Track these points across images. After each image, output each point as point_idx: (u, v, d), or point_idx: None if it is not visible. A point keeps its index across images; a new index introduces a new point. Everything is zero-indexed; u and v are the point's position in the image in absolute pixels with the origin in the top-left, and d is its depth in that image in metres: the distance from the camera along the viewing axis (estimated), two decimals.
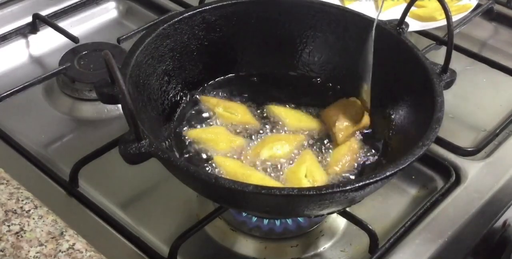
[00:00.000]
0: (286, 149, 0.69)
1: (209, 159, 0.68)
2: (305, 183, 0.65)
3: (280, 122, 0.73)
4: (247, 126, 0.73)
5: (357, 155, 0.69)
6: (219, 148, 0.69)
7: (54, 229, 0.62)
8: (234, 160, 0.68)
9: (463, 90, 0.90)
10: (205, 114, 0.74)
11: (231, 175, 0.64)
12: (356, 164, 0.69)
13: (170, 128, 0.71)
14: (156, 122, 0.69)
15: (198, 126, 0.72)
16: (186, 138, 0.70)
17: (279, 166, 0.68)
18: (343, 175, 0.68)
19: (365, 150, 0.70)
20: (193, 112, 0.74)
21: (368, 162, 0.69)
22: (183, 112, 0.74)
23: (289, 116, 0.74)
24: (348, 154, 0.69)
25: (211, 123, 0.73)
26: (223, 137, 0.70)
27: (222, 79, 0.78)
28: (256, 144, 0.70)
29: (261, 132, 0.72)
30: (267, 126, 0.73)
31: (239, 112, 0.73)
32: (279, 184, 0.65)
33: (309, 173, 0.66)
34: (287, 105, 0.75)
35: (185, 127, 0.72)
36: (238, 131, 0.72)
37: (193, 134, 0.71)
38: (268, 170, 0.67)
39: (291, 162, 0.68)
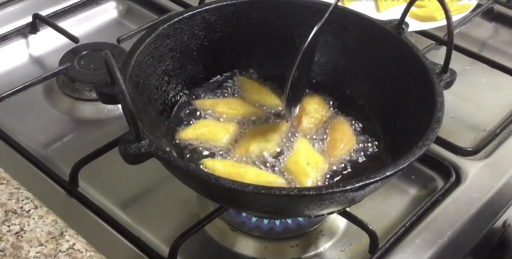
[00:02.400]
0: (275, 139, 0.69)
1: (210, 155, 0.68)
2: (310, 171, 0.65)
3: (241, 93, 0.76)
4: (252, 118, 0.73)
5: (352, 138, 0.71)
6: (218, 138, 0.69)
7: (54, 229, 0.62)
8: (223, 161, 0.67)
9: (463, 90, 0.90)
10: (204, 113, 0.74)
11: (225, 176, 0.64)
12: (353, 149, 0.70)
13: (170, 128, 0.71)
14: (156, 122, 0.69)
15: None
16: (182, 139, 0.70)
17: (271, 157, 0.68)
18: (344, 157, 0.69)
19: (364, 149, 0.70)
20: (193, 112, 0.74)
21: (368, 162, 0.69)
22: (183, 112, 0.74)
23: (250, 89, 0.76)
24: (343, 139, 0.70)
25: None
26: (217, 128, 0.70)
27: (222, 78, 0.78)
28: (241, 140, 0.70)
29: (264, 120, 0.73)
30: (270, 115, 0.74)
31: (240, 106, 0.74)
32: (276, 177, 0.65)
33: (310, 160, 0.66)
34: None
35: (180, 128, 0.71)
36: (243, 123, 0.72)
37: (187, 134, 0.70)
38: (262, 164, 0.67)
39: (279, 151, 0.69)
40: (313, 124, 0.72)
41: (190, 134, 0.70)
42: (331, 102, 0.76)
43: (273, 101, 0.75)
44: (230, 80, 0.78)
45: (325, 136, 0.71)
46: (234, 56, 0.78)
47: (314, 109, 0.73)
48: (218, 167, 0.66)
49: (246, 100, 0.75)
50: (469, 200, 0.73)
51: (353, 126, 0.73)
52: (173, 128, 0.71)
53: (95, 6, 1.03)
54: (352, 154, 0.70)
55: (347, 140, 0.70)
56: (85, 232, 0.63)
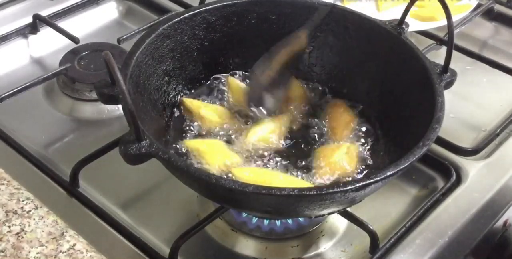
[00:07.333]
0: (271, 126, 0.70)
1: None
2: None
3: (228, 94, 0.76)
4: (233, 127, 0.73)
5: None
6: (213, 161, 0.66)
7: (54, 230, 0.62)
8: (252, 168, 0.67)
9: (464, 90, 0.90)
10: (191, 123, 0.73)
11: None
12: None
13: (170, 129, 0.71)
14: (156, 123, 0.69)
15: (197, 129, 0.72)
16: (183, 146, 0.69)
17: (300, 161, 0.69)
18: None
19: (363, 149, 0.70)
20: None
21: (368, 162, 0.69)
22: (183, 112, 0.74)
23: (236, 90, 0.76)
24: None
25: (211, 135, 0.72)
26: (219, 151, 0.68)
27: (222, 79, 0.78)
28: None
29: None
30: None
31: (223, 113, 0.73)
32: (306, 183, 0.65)
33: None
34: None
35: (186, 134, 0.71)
36: (223, 131, 0.72)
37: (191, 144, 0.69)
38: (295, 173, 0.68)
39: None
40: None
41: (192, 144, 0.69)
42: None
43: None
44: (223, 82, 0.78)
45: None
46: (234, 56, 0.78)
47: None
48: (246, 174, 0.65)
49: (231, 108, 0.75)
50: (470, 200, 0.73)
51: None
52: (173, 129, 0.71)
53: (95, 7, 1.03)
54: None
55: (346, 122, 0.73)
56: (86, 232, 0.63)
